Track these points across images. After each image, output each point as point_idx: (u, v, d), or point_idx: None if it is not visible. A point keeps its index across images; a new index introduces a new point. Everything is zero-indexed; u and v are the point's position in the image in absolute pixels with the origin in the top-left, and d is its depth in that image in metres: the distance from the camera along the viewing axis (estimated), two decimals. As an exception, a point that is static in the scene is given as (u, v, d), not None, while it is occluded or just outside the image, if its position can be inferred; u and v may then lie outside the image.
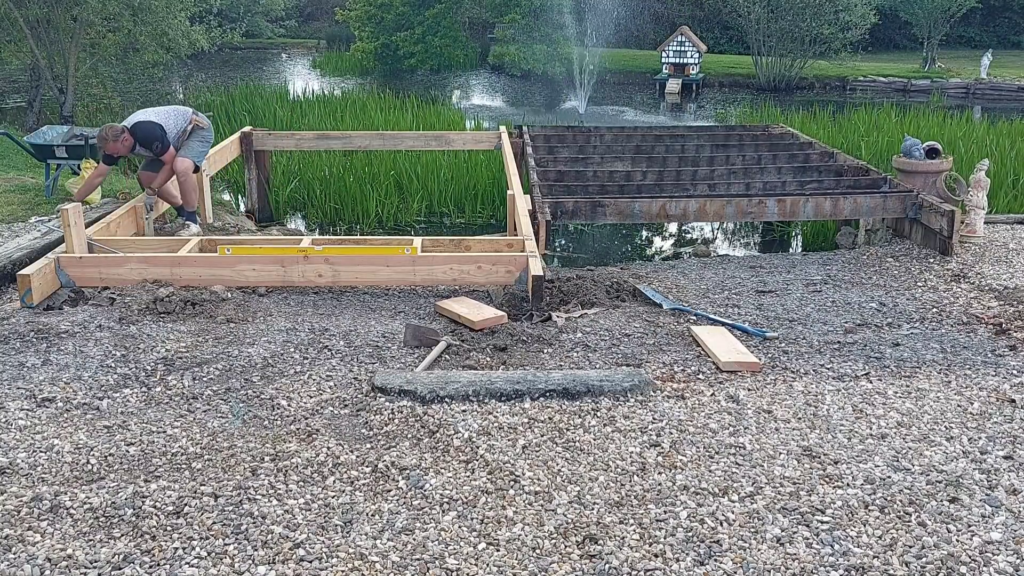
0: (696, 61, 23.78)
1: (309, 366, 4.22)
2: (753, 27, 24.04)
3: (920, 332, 4.92)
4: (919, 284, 5.84)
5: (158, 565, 2.64)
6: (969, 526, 2.91)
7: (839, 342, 4.76)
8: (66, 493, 3.01)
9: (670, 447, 3.44)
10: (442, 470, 3.24)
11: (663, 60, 24.06)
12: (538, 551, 2.76)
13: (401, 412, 3.68)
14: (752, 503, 3.04)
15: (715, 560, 2.72)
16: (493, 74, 27.54)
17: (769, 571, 2.67)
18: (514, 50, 25.35)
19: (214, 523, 2.86)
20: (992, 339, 4.77)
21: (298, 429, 3.57)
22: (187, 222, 6.59)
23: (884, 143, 11.49)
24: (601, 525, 2.90)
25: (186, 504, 2.96)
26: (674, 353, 4.53)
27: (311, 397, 3.89)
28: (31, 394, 3.82)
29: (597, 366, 4.34)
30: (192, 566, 2.64)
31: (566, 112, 19.05)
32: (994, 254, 6.35)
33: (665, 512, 2.98)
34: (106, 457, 3.29)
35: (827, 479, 3.20)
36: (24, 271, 4.95)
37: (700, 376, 4.21)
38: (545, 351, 4.53)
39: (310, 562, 2.68)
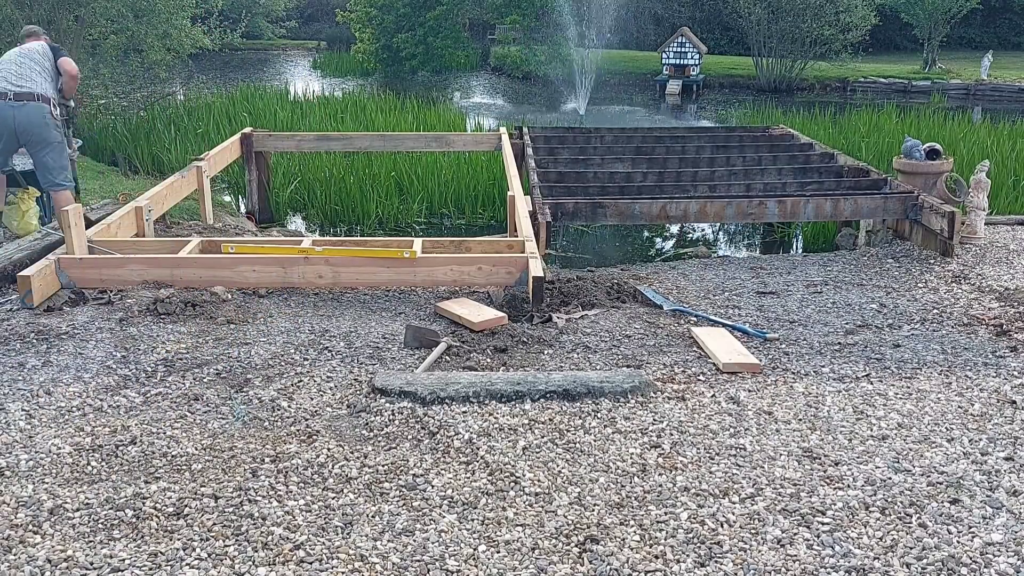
0: (696, 62, 23.78)
1: (309, 367, 4.22)
2: (753, 28, 24.05)
3: (921, 333, 4.92)
4: (920, 285, 5.84)
5: (158, 567, 2.64)
6: (970, 527, 2.91)
7: (840, 343, 4.76)
8: (66, 494, 3.01)
9: (670, 448, 3.44)
10: (442, 471, 3.24)
11: (663, 61, 24.07)
12: (538, 552, 2.76)
13: (401, 413, 3.68)
14: (753, 504, 3.03)
15: (716, 561, 2.72)
16: (494, 75, 27.57)
17: (770, 572, 2.67)
18: (515, 52, 25.37)
19: (214, 524, 2.86)
20: (993, 340, 4.77)
21: (298, 430, 3.57)
22: None
23: (884, 144, 11.49)
24: (602, 526, 2.90)
25: (186, 505, 2.96)
26: (674, 354, 4.53)
27: (311, 398, 3.89)
28: (32, 395, 3.82)
29: (597, 367, 4.34)
30: (192, 567, 2.64)
31: (566, 113, 19.06)
32: (995, 255, 6.35)
33: (666, 513, 2.98)
34: (107, 458, 3.29)
35: (828, 480, 3.20)
36: (24, 272, 4.95)
37: (700, 377, 4.20)
38: (545, 352, 4.53)
39: (310, 563, 2.68)
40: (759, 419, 3.71)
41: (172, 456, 3.32)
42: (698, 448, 3.44)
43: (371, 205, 9.44)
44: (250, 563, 2.67)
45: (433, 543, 2.79)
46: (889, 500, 3.06)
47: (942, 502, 3.05)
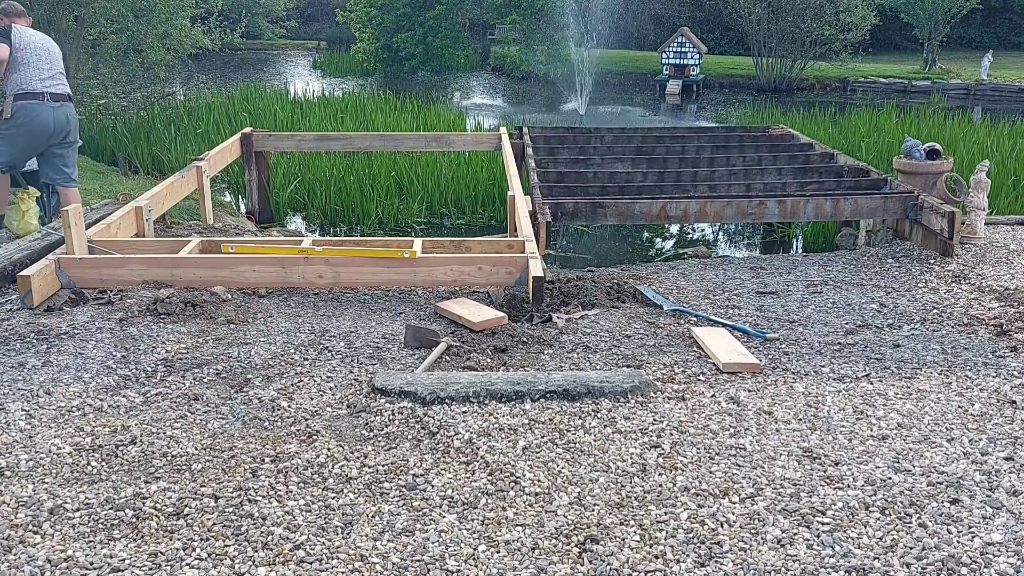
0: (696, 62, 23.79)
1: (309, 367, 4.22)
2: (753, 28, 24.06)
3: (921, 333, 4.92)
4: (920, 285, 5.84)
5: (158, 567, 2.64)
6: (970, 527, 2.91)
7: (840, 343, 4.76)
8: (66, 494, 3.01)
9: (670, 448, 3.44)
10: (442, 471, 3.24)
11: (663, 61, 24.08)
12: (538, 552, 2.76)
13: (401, 413, 3.69)
14: (753, 504, 3.04)
15: (716, 561, 2.72)
16: (494, 75, 27.59)
17: (770, 572, 2.67)
18: (515, 52, 25.39)
19: (214, 524, 2.86)
20: (993, 340, 4.77)
21: (298, 430, 3.57)
22: None
23: (885, 144, 11.50)
24: (602, 526, 2.90)
25: (186, 505, 2.96)
26: (674, 354, 4.53)
27: (311, 398, 3.89)
28: (32, 395, 3.82)
29: (597, 367, 4.34)
30: (192, 567, 2.64)
31: (566, 113, 19.06)
32: (995, 255, 6.35)
33: (666, 513, 2.98)
34: (107, 458, 3.29)
35: (828, 480, 3.20)
36: (24, 272, 4.95)
37: (700, 377, 4.20)
38: (545, 352, 4.53)
39: (310, 563, 2.68)
40: (759, 419, 3.72)
41: (172, 456, 3.32)
42: (698, 448, 3.44)
43: (371, 205, 9.43)
44: (250, 563, 2.67)
45: (433, 543, 2.79)
46: (889, 500, 3.06)
47: (942, 502, 3.05)
